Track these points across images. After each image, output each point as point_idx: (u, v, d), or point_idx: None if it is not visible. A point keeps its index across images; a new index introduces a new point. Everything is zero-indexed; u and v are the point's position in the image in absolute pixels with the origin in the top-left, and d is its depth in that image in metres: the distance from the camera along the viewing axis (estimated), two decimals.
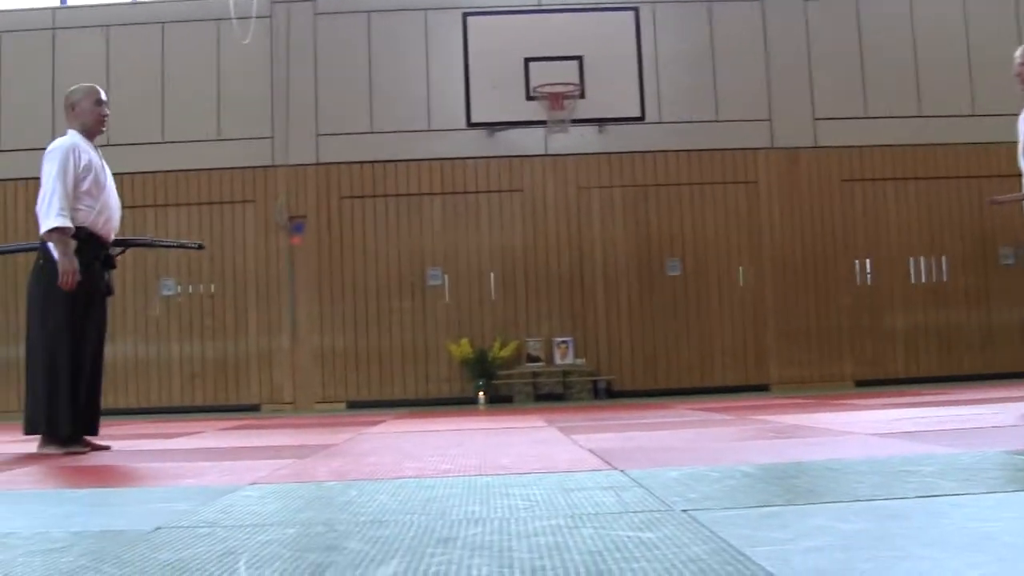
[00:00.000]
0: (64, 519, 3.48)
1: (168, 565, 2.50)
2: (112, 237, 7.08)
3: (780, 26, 16.33)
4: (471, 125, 15.17)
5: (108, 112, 7.21)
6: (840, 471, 4.00)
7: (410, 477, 4.49)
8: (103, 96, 7.19)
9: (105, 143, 15.75)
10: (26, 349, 6.80)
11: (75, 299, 6.64)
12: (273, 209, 15.82)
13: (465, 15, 15.14)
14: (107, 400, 15.24)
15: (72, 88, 7.24)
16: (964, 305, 16.03)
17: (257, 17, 15.62)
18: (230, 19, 15.39)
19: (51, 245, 6.65)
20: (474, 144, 15.97)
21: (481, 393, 15.12)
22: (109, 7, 16.39)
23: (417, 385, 15.77)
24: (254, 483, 4.45)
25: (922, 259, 16.02)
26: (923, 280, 16.01)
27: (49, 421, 6.60)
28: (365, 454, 5.95)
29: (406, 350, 15.81)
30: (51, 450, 6.60)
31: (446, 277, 15.88)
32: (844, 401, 10.68)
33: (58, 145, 6.80)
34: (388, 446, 6.55)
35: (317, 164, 15.95)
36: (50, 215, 6.56)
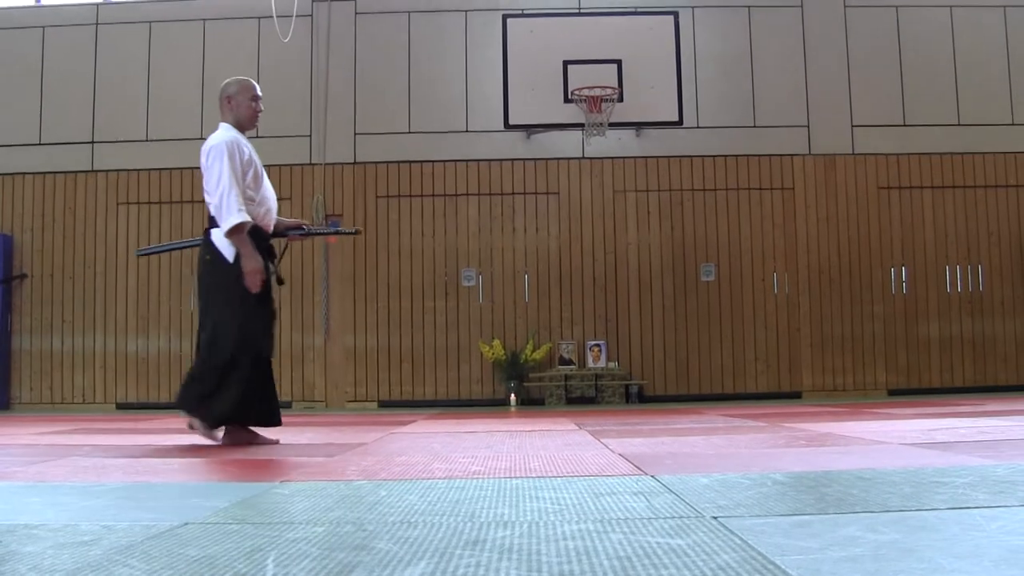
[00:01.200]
0: (94, 512, 3.50)
1: (196, 561, 2.50)
2: (271, 228, 7.10)
3: (819, 32, 16.27)
4: (508, 127, 15.15)
5: (262, 108, 7.18)
6: (872, 481, 3.97)
7: (440, 478, 4.49)
8: (259, 91, 7.13)
9: (144, 139, 15.96)
10: (203, 339, 6.79)
11: (248, 291, 6.71)
12: (310, 207, 15.86)
13: (505, 17, 15.13)
14: (140, 394, 15.44)
15: (227, 81, 7.19)
16: (1000, 315, 15.93)
17: (298, 16, 15.68)
18: (271, 17, 15.45)
19: (215, 240, 6.71)
20: (511, 146, 15.98)
21: (512, 395, 15.11)
22: (151, 3, 16.49)
23: (448, 386, 15.78)
24: (284, 480, 4.46)
25: (958, 268, 15.93)
26: (959, 289, 15.91)
27: (213, 407, 6.66)
28: (395, 454, 5.95)
29: (438, 350, 15.83)
30: (210, 434, 6.70)
31: (480, 278, 15.89)
32: (877, 410, 10.63)
33: (220, 140, 6.77)
34: (418, 446, 6.55)
35: (354, 163, 15.99)
36: (231, 213, 6.59)
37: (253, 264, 6.65)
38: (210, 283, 6.79)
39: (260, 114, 7.13)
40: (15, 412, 14.92)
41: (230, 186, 6.61)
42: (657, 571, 2.28)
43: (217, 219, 6.68)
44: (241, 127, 6.99)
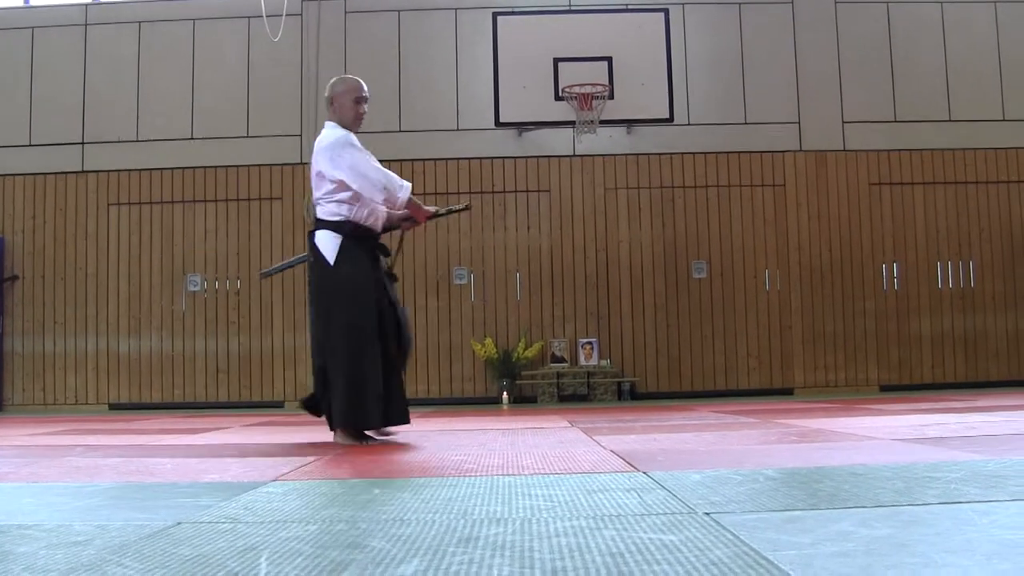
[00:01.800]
0: (87, 512, 3.50)
1: (189, 560, 2.50)
2: (379, 227, 7.14)
3: (810, 29, 16.27)
4: (499, 125, 15.11)
5: (366, 110, 7.12)
6: (864, 476, 3.98)
7: (432, 476, 4.49)
8: (364, 93, 7.11)
9: (135, 139, 15.92)
10: (324, 347, 6.76)
11: (355, 292, 6.76)
12: (301, 207, 15.84)
13: (495, 15, 15.10)
14: (132, 395, 15.42)
15: (333, 80, 7.19)
16: (991, 311, 15.94)
17: (287, 15, 15.64)
18: (261, 16, 15.42)
19: (319, 243, 6.81)
20: (502, 144, 15.96)
21: (505, 393, 15.10)
22: (141, 3, 16.45)
23: (441, 384, 15.76)
24: (277, 479, 4.46)
25: (950, 264, 15.95)
26: (950, 285, 15.93)
27: (356, 413, 6.63)
28: (388, 452, 5.95)
29: (431, 349, 15.80)
30: (348, 441, 6.64)
31: (472, 276, 15.87)
32: (869, 406, 10.64)
33: (339, 135, 6.89)
34: (411, 445, 6.55)
35: None
36: (400, 184, 6.88)
37: (425, 211, 7.21)
38: (317, 286, 6.90)
39: (364, 116, 7.11)
40: (7, 413, 14.89)
41: (377, 166, 6.86)
42: (650, 567, 2.28)
43: (390, 200, 6.85)
44: (346, 128, 6.99)
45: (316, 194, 6.89)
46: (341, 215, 6.77)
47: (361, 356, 6.63)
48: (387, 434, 7.04)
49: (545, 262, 15.90)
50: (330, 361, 6.68)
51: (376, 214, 7.00)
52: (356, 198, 6.82)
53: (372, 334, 6.71)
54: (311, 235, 6.88)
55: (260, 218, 15.95)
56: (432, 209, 7.24)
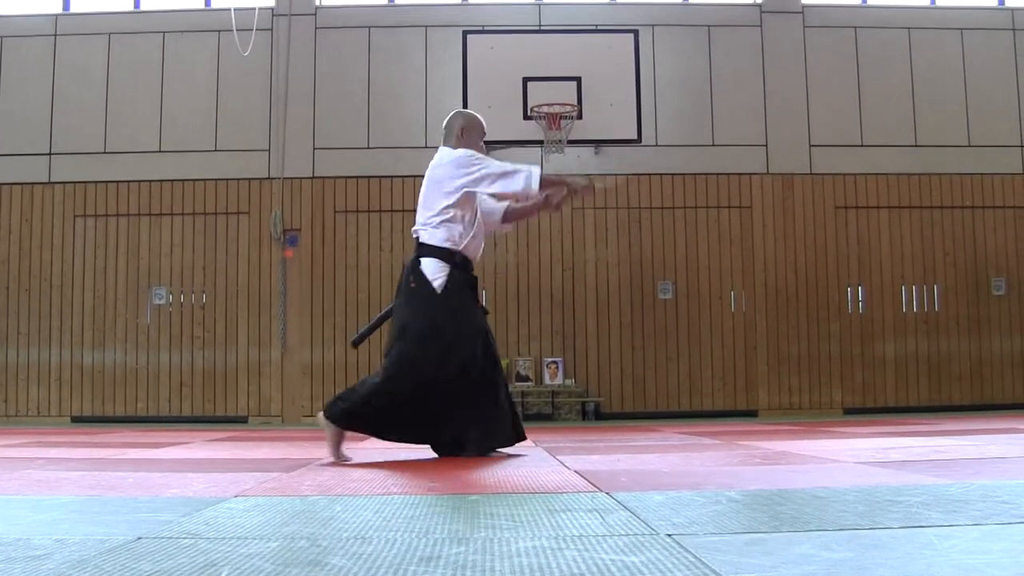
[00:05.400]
0: (46, 526, 3.47)
1: (149, 575, 2.49)
2: (477, 259, 7.06)
3: (778, 53, 16.36)
4: None
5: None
6: (826, 499, 3.99)
7: (395, 494, 4.48)
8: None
9: (102, 151, 15.83)
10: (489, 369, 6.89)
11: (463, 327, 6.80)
12: (268, 221, 15.81)
13: (465, 33, 15.11)
14: (95, 408, 15.29)
15: (465, 113, 7.23)
16: (955, 335, 16.04)
17: (258, 29, 15.63)
18: (231, 31, 15.40)
19: (426, 270, 6.62)
20: None
21: None
22: (111, 15, 16.41)
23: None
24: (239, 495, 4.44)
25: (914, 288, 16.04)
26: (915, 309, 16.02)
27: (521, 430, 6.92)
28: (350, 469, 5.93)
29: None
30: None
31: None
32: (833, 429, 10.67)
33: (463, 152, 6.79)
34: (374, 462, 6.53)
35: (313, 178, 15.94)
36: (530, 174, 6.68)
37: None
38: (427, 318, 6.69)
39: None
40: None
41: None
42: None
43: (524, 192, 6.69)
44: None
45: (429, 215, 6.67)
46: (452, 242, 6.65)
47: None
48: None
49: (511, 280, 15.90)
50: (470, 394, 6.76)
51: (480, 244, 6.93)
52: (471, 222, 6.74)
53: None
54: (415, 262, 6.65)
55: (227, 232, 15.91)
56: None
